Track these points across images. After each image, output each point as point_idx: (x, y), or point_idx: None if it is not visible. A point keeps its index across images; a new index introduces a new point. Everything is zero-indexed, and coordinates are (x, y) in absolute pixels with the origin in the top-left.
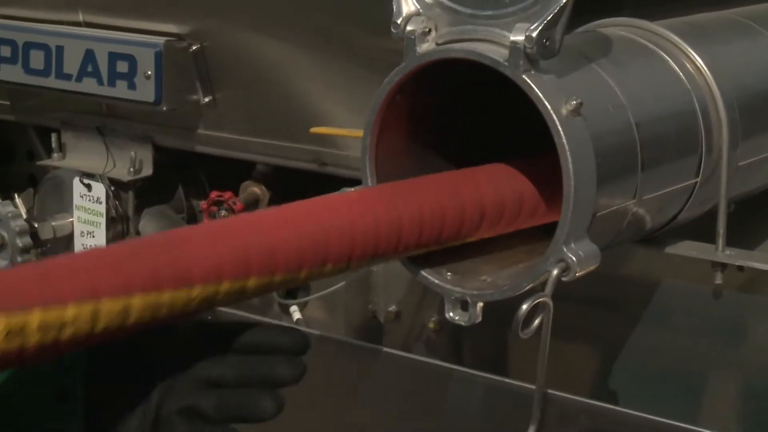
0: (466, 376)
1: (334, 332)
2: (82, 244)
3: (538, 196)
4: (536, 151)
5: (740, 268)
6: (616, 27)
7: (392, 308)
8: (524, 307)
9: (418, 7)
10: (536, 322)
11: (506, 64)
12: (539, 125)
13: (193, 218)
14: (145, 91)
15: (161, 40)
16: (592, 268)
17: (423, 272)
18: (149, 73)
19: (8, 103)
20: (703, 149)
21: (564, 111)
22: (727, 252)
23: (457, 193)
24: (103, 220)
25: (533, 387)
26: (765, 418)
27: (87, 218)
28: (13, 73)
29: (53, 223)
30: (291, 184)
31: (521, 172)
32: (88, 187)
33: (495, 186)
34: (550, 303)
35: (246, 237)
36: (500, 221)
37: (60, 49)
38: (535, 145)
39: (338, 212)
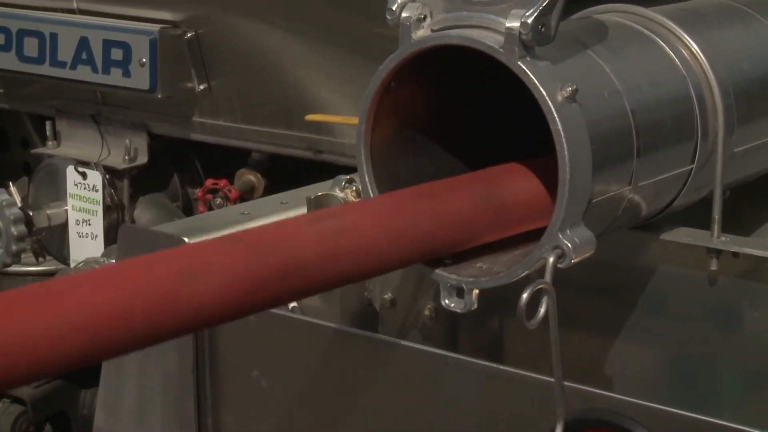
0: (462, 363)
1: (329, 320)
2: (78, 233)
3: (548, 198)
4: (535, 141)
5: (735, 255)
6: (612, 13)
7: (388, 295)
8: (525, 295)
9: None
10: (542, 310)
11: (501, 50)
12: (538, 115)
13: (188, 206)
14: (140, 79)
15: (156, 27)
16: (587, 254)
17: None
18: (144, 60)
19: (2, 90)
20: (699, 135)
21: (559, 97)
22: (723, 238)
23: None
24: (100, 208)
25: (529, 374)
26: (759, 402)
27: (81, 206)
28: (7, 61)
29: (48, 212)
30: (286, 172)
31: (532, 172)
32: (83, 175)
33: (510, 190)
34: (552, 289)
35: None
36: (511, 226)
37: (54, 37)
38: (535, 135)
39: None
